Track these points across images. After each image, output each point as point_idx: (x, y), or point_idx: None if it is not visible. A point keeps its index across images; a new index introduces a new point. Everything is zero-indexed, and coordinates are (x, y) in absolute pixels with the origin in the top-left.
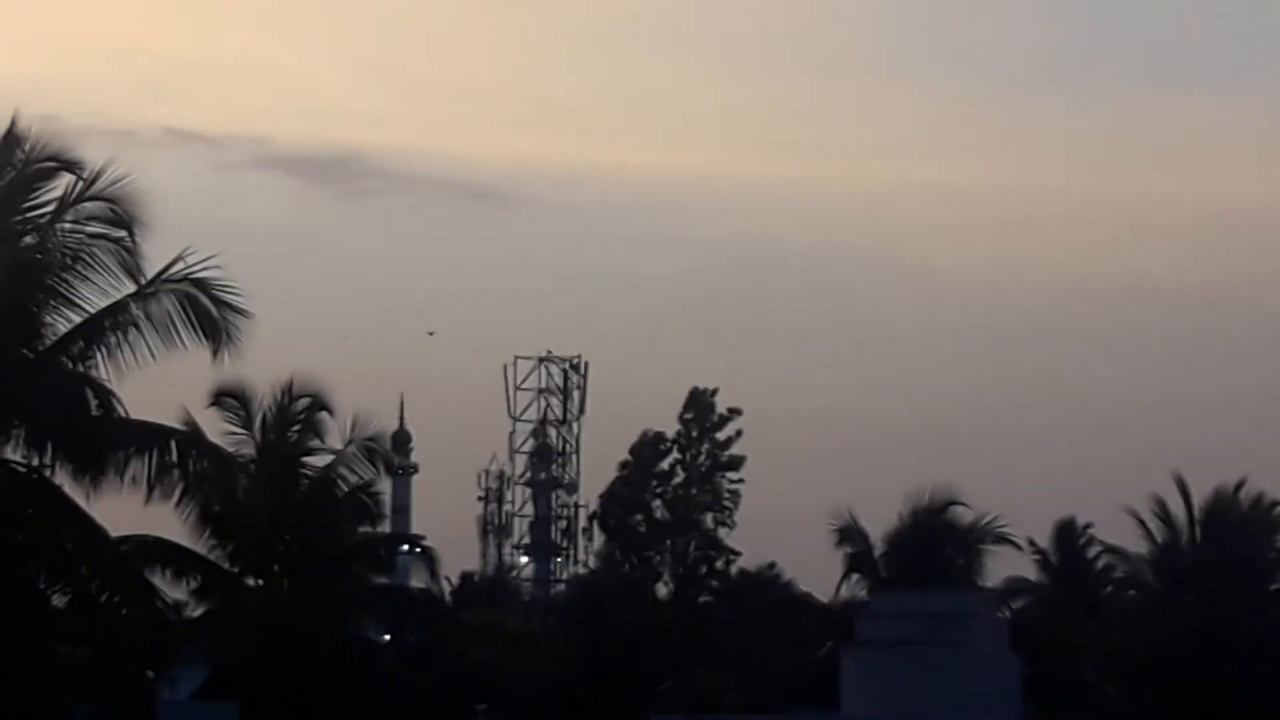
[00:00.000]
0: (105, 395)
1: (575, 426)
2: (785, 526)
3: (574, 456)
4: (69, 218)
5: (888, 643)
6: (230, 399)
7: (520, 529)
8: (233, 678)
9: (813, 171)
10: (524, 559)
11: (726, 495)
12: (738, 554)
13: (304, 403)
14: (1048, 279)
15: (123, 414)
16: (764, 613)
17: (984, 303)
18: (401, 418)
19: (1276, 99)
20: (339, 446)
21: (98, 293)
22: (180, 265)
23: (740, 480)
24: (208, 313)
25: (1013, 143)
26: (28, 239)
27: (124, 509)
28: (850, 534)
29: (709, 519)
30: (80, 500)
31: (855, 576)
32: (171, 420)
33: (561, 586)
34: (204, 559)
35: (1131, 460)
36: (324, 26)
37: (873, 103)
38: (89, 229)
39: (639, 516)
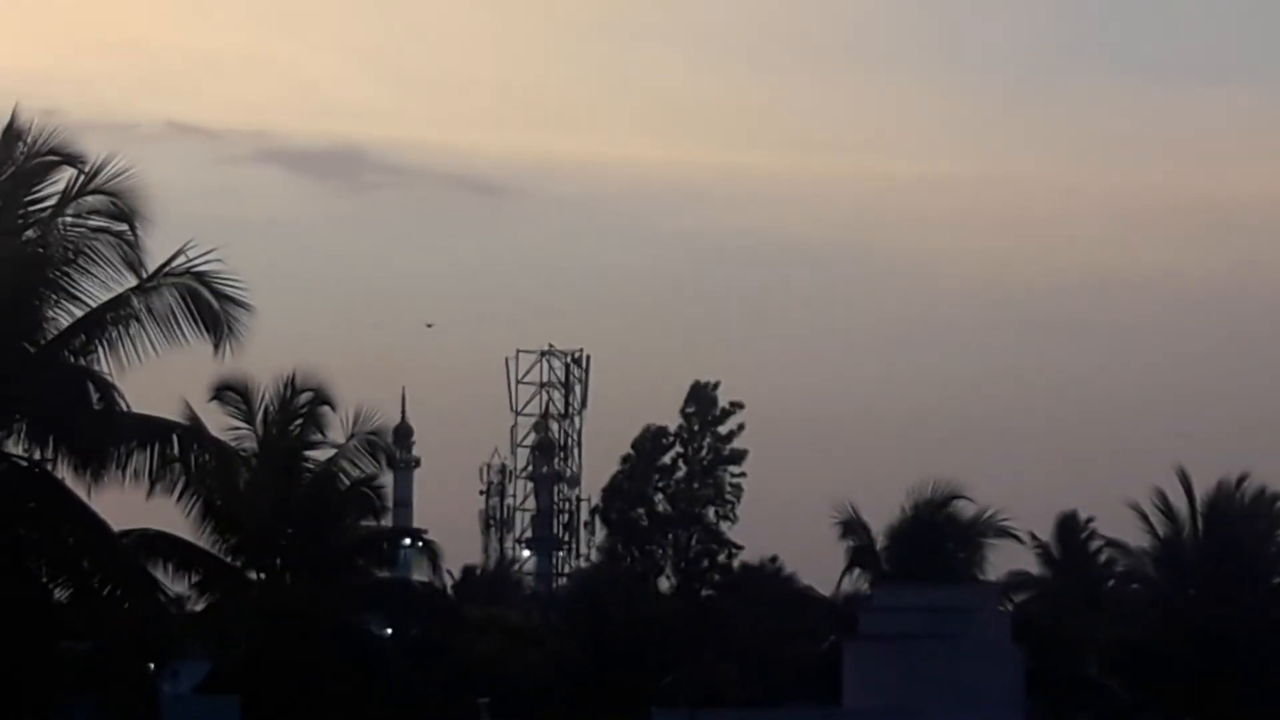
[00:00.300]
0: (107, 389)
1: (577, 420)
2: (787, 520)
3: (576, 450)
4: (70, 212)
5: (890, 636)
6: (231, 393)
7: (522, 523)
8: (235, 672)
9: (815, 166)
10: (526, 553)
11: (728, 489)
12: (740, 548)
13: (306, 397)
14: (1050, 273)
15: (124, 408)
16: (766, 606)
17: (986, 296)
18: (403, 411)
19: (1277, 91)
20: (341, 440)
21: (99, 287)
22: (181, 259)
23: (742, 474)
24: (209, 306)
25: (1016, 137)
26: (29, 233)
27: (126, 503)
28: (852, 527)
29: (711, 513)
30: (82, 494)
31: (857, 570)
32: (173, 414)
33: (563, 580)
34: (206, 553)
35: (1134, 454)
36: (325, 20)
37: (875, 97)
38: (90, 223)
39: (641, 510)
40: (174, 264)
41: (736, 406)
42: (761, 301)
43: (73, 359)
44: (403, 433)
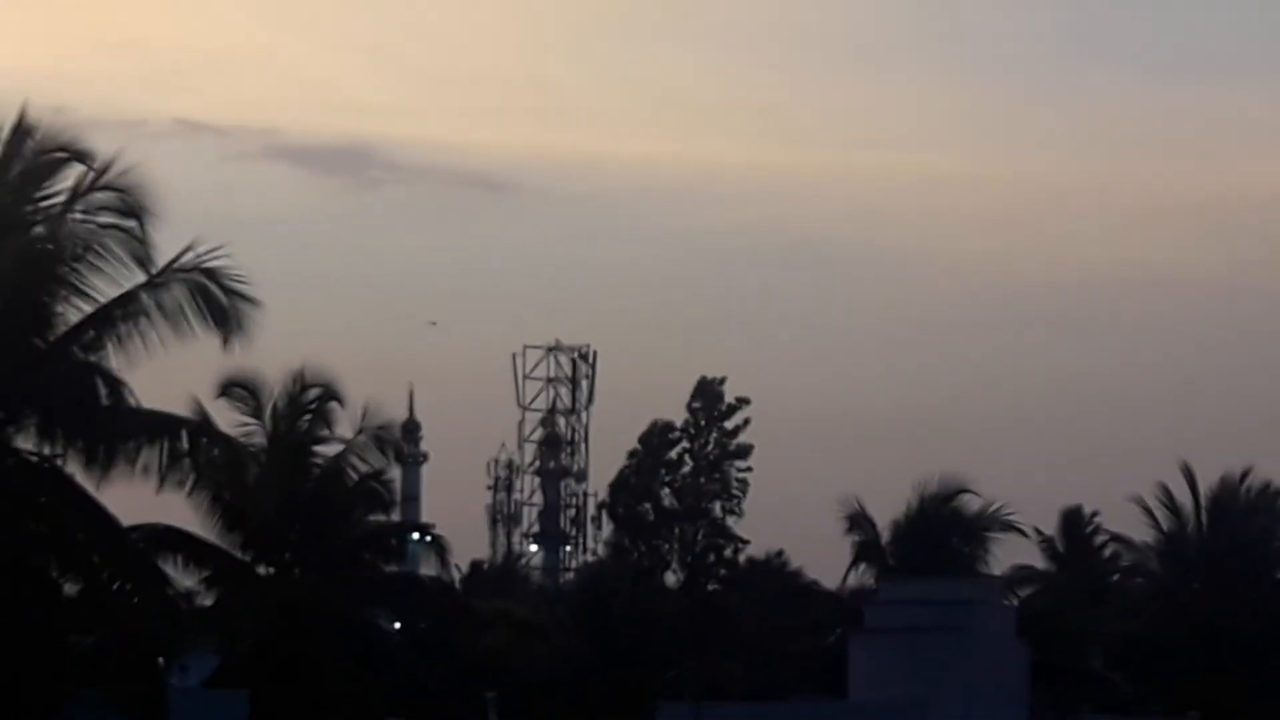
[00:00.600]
0: (115, 385)
1: (584, 415)
2: (793, 515)
3: (583, 445)
4: (80, 208)
5: (895, 630)
6: (239, 389)
7: (529, 517)
8: (243, 666)
9: (822, 163)
10: (533, 547)
11: (735, 484)
12: (746, 542)
13: (315, 392)
14: (1055, 269)
15: (133, 403)
16: (772, 601)
17: (992, 293)
18: (411, 407)
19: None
20: (349, 436)
21: (108, 282)
22: (190, 255)
23: (748, 469)
24: (218, 302)
25: (1022, 135)
26: (39, 229)
27: (135, 498)
28: (858, 522)
29: (717, 507)
30: (91, 489)
31: (863, 565)
32: (183, 410)
33: (570, 575)
34: (215, 547)
35: (1138, 449)
36: (333, 17)
37: (882, 94)
38: (99, 219)
39: (647, 505)
40: (183, 260)
41: (743, 402)
42: (768, 298)
43: (82, 355)
44: (410, 428)
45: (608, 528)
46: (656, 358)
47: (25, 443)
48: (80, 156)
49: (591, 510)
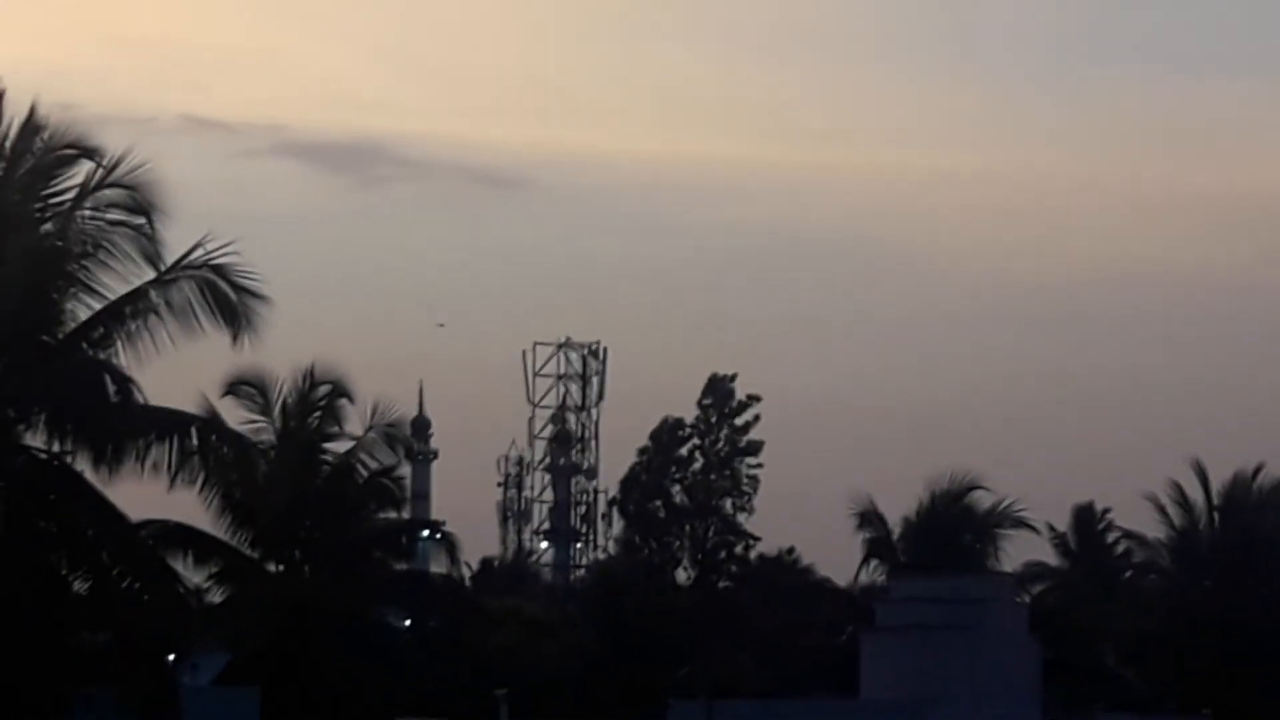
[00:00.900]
0: (124, 382)
1: (594, 412)
2: (804, 512)
3: (593, 442)
4: (89, 205)
5: (907, 627)
6: (246, 387)
7: (540, 514)
8: (253, 663)
9: (833, 158)
10: (544, 544)
11: (745, 480)
12: (757, 539)
13: (324, 389)
14: (1066, 265)
15: (142, 400)
16: (783, 598)
17: (1002, 289)
18: (421, 404)
19: None
20: (359, 433)
21: (118, 279)
22: (199, 252)
23: (759, 465)
24: (227, 298)
25: (1027, 129)
26: (48, 226)
27: (145, 495)
28: (869, 519)
29: (728, 504)
30: (101, 486)
31: (874, 561)
32: (192, 407)
33: (581, 572)
34: (225, 545)
35: (1150, 445)
36: (341, 15)
37: (891, 91)
38: (108, 216)
39: (658, 502)
40: (191, 257)
41: (753, 399)
42: (778, 294)
43: (91, 352)
44: (420, 425)
45: (618, 525)
46: (667, 354)
47: (35, 440)
48: (89, 153)
49: (602, 507)
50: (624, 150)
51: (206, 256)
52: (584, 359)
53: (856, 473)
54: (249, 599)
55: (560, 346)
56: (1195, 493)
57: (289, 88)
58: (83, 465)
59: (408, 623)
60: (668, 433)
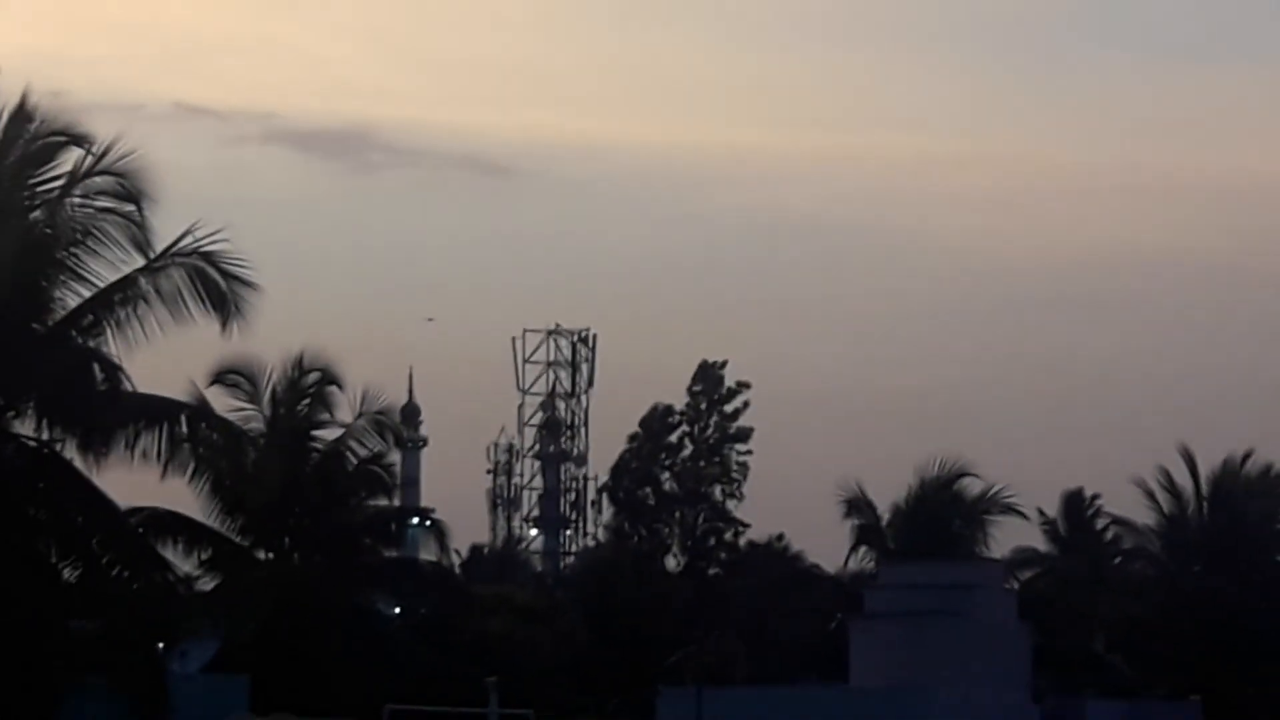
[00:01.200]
0: (112, 370)
1: (584, 399)
2: (793, 498)
3: (583, 429)
4: (78, 192)
5: (896, 614)
6: (233, 375)
7: (530, 501)
8: (243, 651)
9: (821, 144)
10: (533, 532)
11: (735, 467)
12: (746, 526)
13: (314, 376)
14: (1056, 249)
15: (130, 388)
16: (773, 584)
17: (993, 274)
18: (410, 391)
19: None
20: (349, 420)
21: (107, 267)
22: (189, 239)
23: (749, 452)
24: (216, 286)
25: (1022, 114)
26: (37, 214)
27: (134, 482)
28: (857, 506)
29: (718, 491)
30: (91, 474)
31: (863, 548)
32: (181, 394)
33: (571, 559)
34: (215, 532)
35: (1141, 430)
36: (332, 1)
37: (882, 75)
38: (98, 203)
39: (648, 489)
40: (181, 244)
41: (743, 385)
42: (768, 281)
43: (81, 339)
44: (410, 412)
45: (608, 512)
46: (657, 341)
47: (24, 428)
48: (79, 140)
49: (592, 494)
50: (615, 137)
51: (196, 244)
52: (574, 345)
53: (846, 459)
54: (239, 586)
55: (550, 333)
56: (1183, 479)
57: (280, 74)
58: (72, 453)
59: (397, 610)
60: (657, 420)
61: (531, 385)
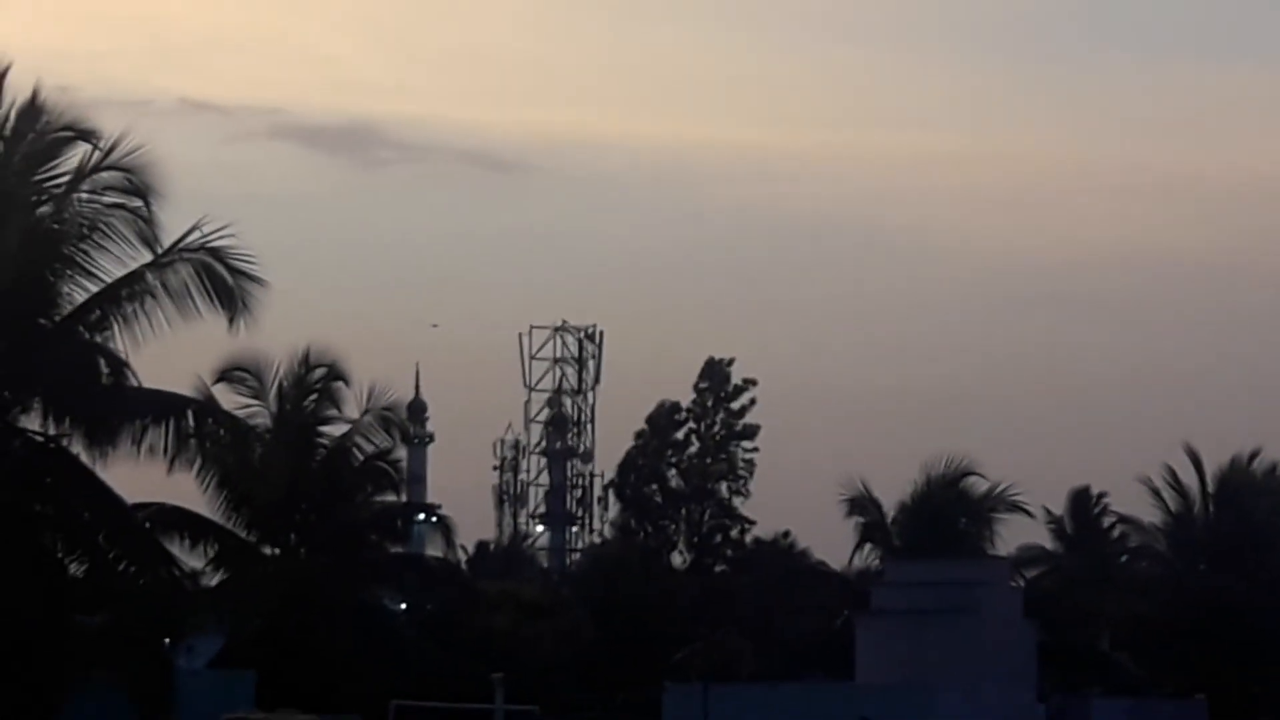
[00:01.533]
0: (118, 365)
1: (590, 396)
2: (799, 495)
3: (589, 426)
4: (85, 187)
5: (902, 612)
6: (239, 372)
7: (536, 498)
8: (249, 646)
9: (827, 142)
10: (540, 528)
11: (741, 464)
12: (752, 523)
13: (320, 372)
14: (1062, 247)
15: (136, 384)
16: (778, 581)
17: (998, 272)
18: (417, 387)
19: None
20: (355, 416)
21: (114, 262)
22: (196, 235)
23: (755, 449)
24: (223, 282)
25: (1025, 112)
26: (44, 209)
27: (141, 477)
28: (862, 504)
29: (724, 488)
30: (97, 469)
31: (869, 546)
32: (188, 390)
33: (577, 555)
34: (221, 528)
35: (1147, 429)
36: None
37: (886, 72)
38: (105, 199)
39: (654, 486)
40: (188, 240)
41: (750, 383)
42: (774, 278)
43: (88, 334)
44: (416, 408)
45: (614, 508)
46: (664, 338)
47: (31, 423)
48: (86, 136)
49: (598, 491)
50: (622, 134)
51: (203, 239)
52: (580, 342)
53: (852, 457)
54: (245, 582)
55: (556, 330)
56: (1189, 477)
57: (286, 70)
58: (78, 448)
59: (403, 606)
60: (664, 416)
61: (538, 382)
